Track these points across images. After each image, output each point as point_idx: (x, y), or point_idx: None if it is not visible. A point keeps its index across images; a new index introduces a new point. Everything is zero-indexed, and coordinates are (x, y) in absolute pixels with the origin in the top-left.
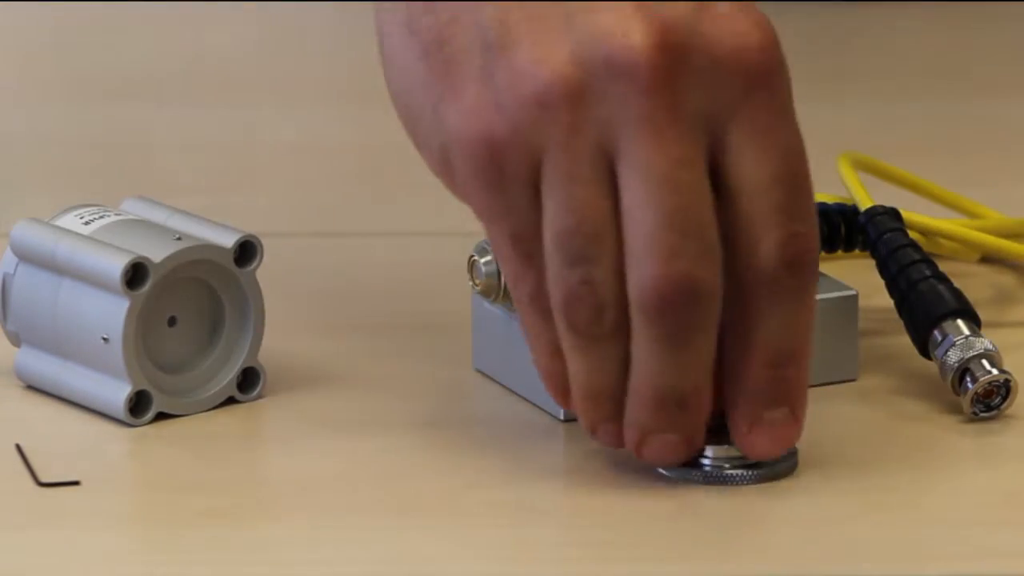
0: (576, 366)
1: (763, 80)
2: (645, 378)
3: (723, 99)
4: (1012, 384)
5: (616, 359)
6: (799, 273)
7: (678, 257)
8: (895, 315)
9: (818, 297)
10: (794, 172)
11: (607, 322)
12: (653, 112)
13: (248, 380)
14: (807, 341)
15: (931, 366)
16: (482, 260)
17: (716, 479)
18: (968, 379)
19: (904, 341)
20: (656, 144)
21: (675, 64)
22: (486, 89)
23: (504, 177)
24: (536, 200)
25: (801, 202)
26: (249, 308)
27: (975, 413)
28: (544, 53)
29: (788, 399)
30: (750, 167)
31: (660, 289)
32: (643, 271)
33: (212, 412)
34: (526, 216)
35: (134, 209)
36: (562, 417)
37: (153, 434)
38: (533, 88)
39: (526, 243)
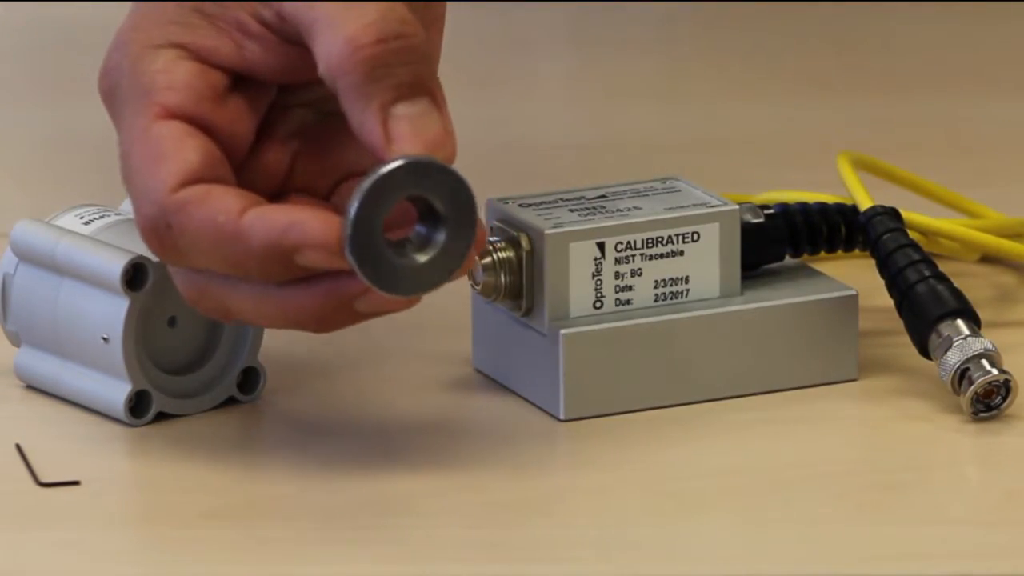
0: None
1: None
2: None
3: None
4: (1012, 384)
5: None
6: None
7: None
8: (895, 315)
9: (818, 297)
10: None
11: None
12: None
13: (248, 380)
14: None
15: (931, 366)
16: (482, 260)
17: None
18: (968, 379)
19: (904, 341)
20: None
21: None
22: None
23: None
24: None
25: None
26: None
27: (975, 413)
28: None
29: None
30: None
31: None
32: None
33: (212, 412)
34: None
35: None
36: (562, 417)
37: (153, 434)
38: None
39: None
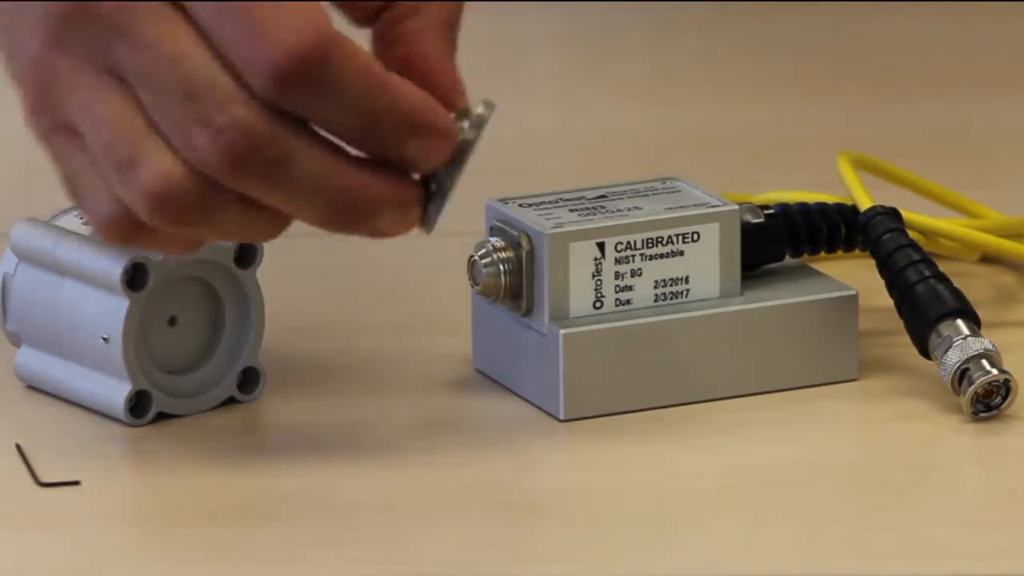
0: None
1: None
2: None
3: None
4: (1012, 384)
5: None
6: (295, 85)
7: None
8: (895, 315)
9: (818, 297)
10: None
11: (204, 202)
12: None
13: (248, 380)
14: None
15: (931, 366)
16: (482, 260)
17: None
18: (968, 379)
19: (904, 341)
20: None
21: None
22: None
23: (45, 134)
24: (70, 143)
25: (238, 34)
26: (249, 308)
27: (975, 413)
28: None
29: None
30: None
31: (219, 152)
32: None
33: (212, 412)
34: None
35: None
36: (562, 417)
37: (153, 434)
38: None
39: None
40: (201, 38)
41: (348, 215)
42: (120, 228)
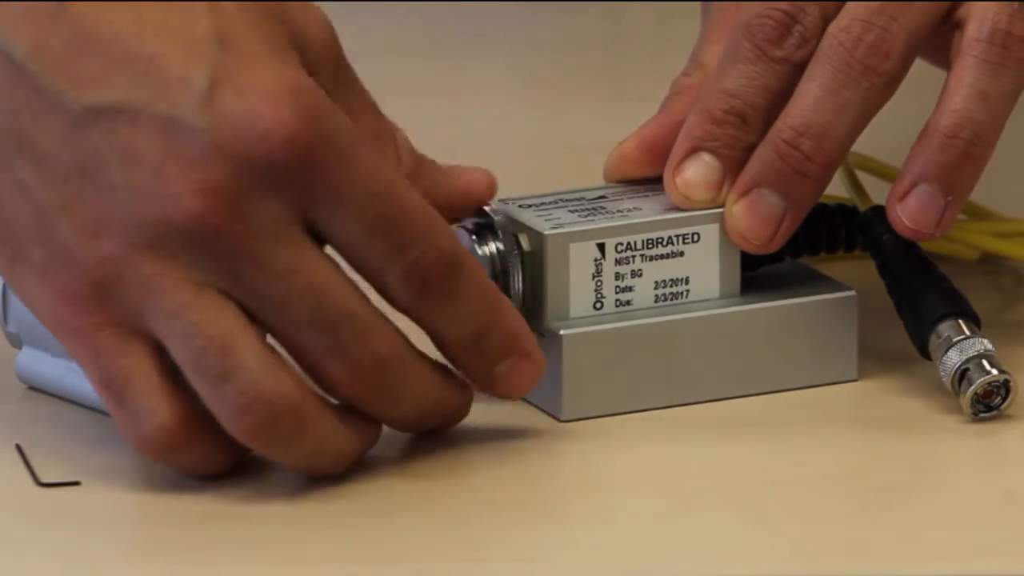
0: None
1: (300, 166)
2: None
3: (285, 201)
4: (1012, 384)
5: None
6: (434, 289)
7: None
8: (895, 315)
9: (818, 297)
10: (380, 214)
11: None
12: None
13: None
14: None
15: (931, 366)
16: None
17: None
18: (968, 379)
19: (904, 341)
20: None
21: (220, 209)
22: (49, 249)
23: (92, 327)
24: (125, 342)
25: (401, 232)
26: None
27: (975, 413)
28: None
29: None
30: (343, 239)
31: (355, 381)
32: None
33: None
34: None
35: None
36: (562, 417)
37: None
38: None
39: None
40: (335, 267)
41: (435, 422)
42: (169, 440)
